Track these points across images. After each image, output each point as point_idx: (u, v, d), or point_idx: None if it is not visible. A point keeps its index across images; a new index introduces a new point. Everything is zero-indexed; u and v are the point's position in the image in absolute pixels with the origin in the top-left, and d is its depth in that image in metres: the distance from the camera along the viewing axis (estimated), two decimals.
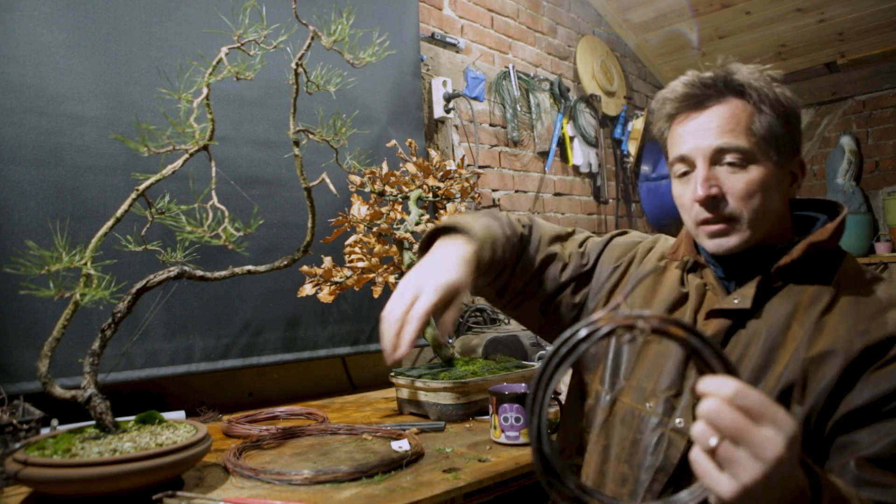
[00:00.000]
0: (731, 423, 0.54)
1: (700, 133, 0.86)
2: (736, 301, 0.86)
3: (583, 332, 0.58)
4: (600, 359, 1.00)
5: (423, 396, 1.53)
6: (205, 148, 1.12)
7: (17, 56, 1.42)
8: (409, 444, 1.23)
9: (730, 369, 0.58)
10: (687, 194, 0.89)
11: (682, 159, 0.88)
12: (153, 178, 1.10)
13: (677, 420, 0.86)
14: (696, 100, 0.87)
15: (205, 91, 1.11)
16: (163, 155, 1.11)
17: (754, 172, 0.84)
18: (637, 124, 3.49)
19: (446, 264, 0.91)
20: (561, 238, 1.12)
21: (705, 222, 0.87)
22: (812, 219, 0.94)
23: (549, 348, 0.59)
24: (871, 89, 3.66)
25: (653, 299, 0.98)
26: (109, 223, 1.07)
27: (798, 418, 0.77)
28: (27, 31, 1.44)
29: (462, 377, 1.50)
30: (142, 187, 1.09)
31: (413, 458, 1.17)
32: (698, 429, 0.56)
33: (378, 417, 1.59)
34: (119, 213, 1.07)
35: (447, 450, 1.25)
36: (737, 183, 0.84)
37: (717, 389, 0.55)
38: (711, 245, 0.88)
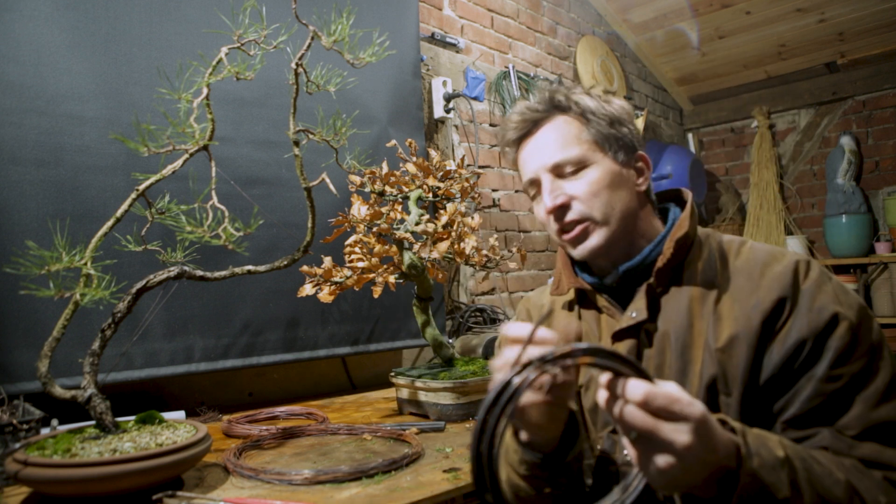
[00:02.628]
0: (642, 423, 0.62)
1: (538, 153, 0.93)
2: (634, 315, 0.88)
3: (511, 389, 0.61)
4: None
5: (423, 396, 1.53)
6: (205, 148, 1.12)
7: (17, 56, 1.42)
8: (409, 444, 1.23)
9: (639, 372, 0.64)
10: (542, 210, 0.93)
11: (531, 182, 0.94)
12: (153, 178, 1.10)
13: (625, 452, 0.86)
14: (529, 124, 0.94)
15: (205, 91, 1.11)
16: (163, 155, 1.11)
17: (592, 173, 0.90)
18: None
19: None
20: None
21: (563, 231, 0.91)
22: (665, 210, 0.98)
23: (480, 415, 0.62)
24: (871, 89, 3.66)
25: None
26: (109, 223, 1.07)
27: (732, 408, 0.80)
28: (27, 31, 1.44)
29: (462, 377, 1.50)
30: (142, 187, 1.09)
31: (413, 458, 1.17)
32: (622, 426, 0.64)
33: (378, 417, 1.59)
34: (119, 213, 1.07)
35: (447, 450, 1.25)
36: (580, 187, 0.89)
37: (629, 394, 0.62)
38: (577, 252, 0.91)
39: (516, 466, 0.85)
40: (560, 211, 0.90)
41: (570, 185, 0.90)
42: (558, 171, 0.91)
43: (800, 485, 0.66)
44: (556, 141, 0.91)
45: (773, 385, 0.79)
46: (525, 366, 0.62)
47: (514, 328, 0.71)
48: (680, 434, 0.61)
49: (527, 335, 0.66)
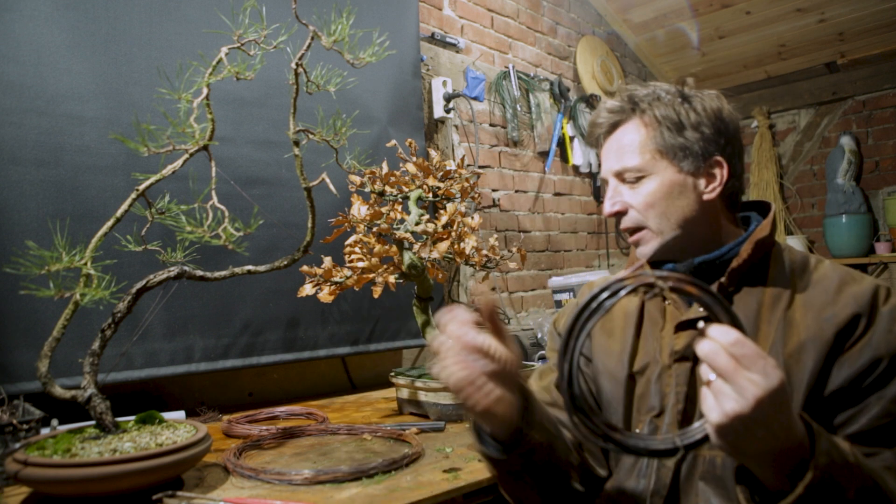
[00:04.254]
0: (724, 364, 0.63)
1: (608, 156, 0.97)
2: (701, 310, 0.88)
3: (609, 290, 0.67)
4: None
5: (423, 396, 1.53)
6: (205, 148, 1.12)
7: (17, 56, 1.42)
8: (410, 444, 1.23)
9: (735, 323, 0.66)
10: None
11: (603, 181, 1.00)
12: (153, 178, 1.10)
13: (667, 434, 0.87)
14: (610, 125, 0.98)
15: (205, 91, 1.11)
16: (163, 155, 1.10)
17: (650, 185, 0.92)
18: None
19: None
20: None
21: (627, 233, 0.96)
22: (747, 219, 1.00)
23: (581, 303, 0.67)
24: (871, 89, 3.66)
25: (613, 330, 1.01)
26: (109, 223, 1.07)
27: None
28: (27, 31, 1.44)
29: None
30: (142, 187, 1.09)
31: (413, 458, 1.17)
32: (703, 366, 0.66)
33: (378, 417, 1.59)
34: (119, 213, 1.07)
35: (447, 450, 1.25)
36: (637, 196, 0.93)
37: (719, 336, 0.64)
38: (638, 252, 0.96)
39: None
40: (616, 217, 0.95)
41: (629, 192, 0.94)
42: (621, 177, 0.95)
43: (865, 493, 0.67)
44: (621, 149, 0.94)
45: (838, 398, 0.79)
46: (627, 279, 0.66)
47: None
48: (755, 386, 0.62)
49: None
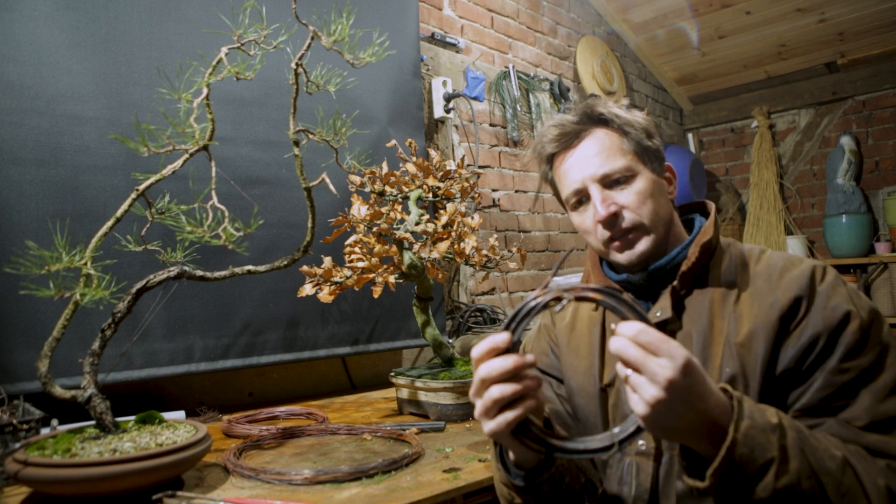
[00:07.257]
0: (634, 355, 0.67)
1: (583, 163, 0.96)
2: (658, 314, 0.92)
3: (529, 306, 0.72)
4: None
5: (423, 396, 1.53)
6: (205, 148, 1.12)
7: (17, 56, 1.42)
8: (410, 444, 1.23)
9: (640, 316, 0.70)
10: (588, 219, 0.97)
11: (576, 192, 0.97)
12: (153, 178, 1.10)
13: (640, 443, 0.90)
14: (570, 136, 0.98)
15: (205, 91, 1.11)
16: (163, 155, 1.10)
17: (639, 184, 0.94)
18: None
19: None
20: None
21: (612, 239, 0.95)
22: (690, 220, 1.03)
23: (506, 318, 0.73)
24: (871, 89, 3.66)
25: (580, 348, 1.03)
26: (109, 223, 1.07)
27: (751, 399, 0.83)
28: (27, 31, 1.44)
29: (462, 377, 1.50)
30: (142, 187, 1.09)
31: (413, 458, 1.17)
32: (618, 364, 0.70)
33: (378, 417, 1.59)
34: (119, 213, 1.07)
35: (447, 450, 1.25)
36: (628, 196, 0.93)
37: (625, 330, 0.68)
38: (624, 258, 0.95)
39: (505, 488, 0.89)
40: (612, 219, 0.93)
41: (618, 194, 0.93)
42: (606, 182, 0.94)
43: (788, 450, 0.69)
44: (601, 152, 0.95)
45: (788, 378, 0.82)
46: (538, 297, 0.71)
47: (486, 343, 0.74)
48: (664, 369, 0.65)
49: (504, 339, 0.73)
